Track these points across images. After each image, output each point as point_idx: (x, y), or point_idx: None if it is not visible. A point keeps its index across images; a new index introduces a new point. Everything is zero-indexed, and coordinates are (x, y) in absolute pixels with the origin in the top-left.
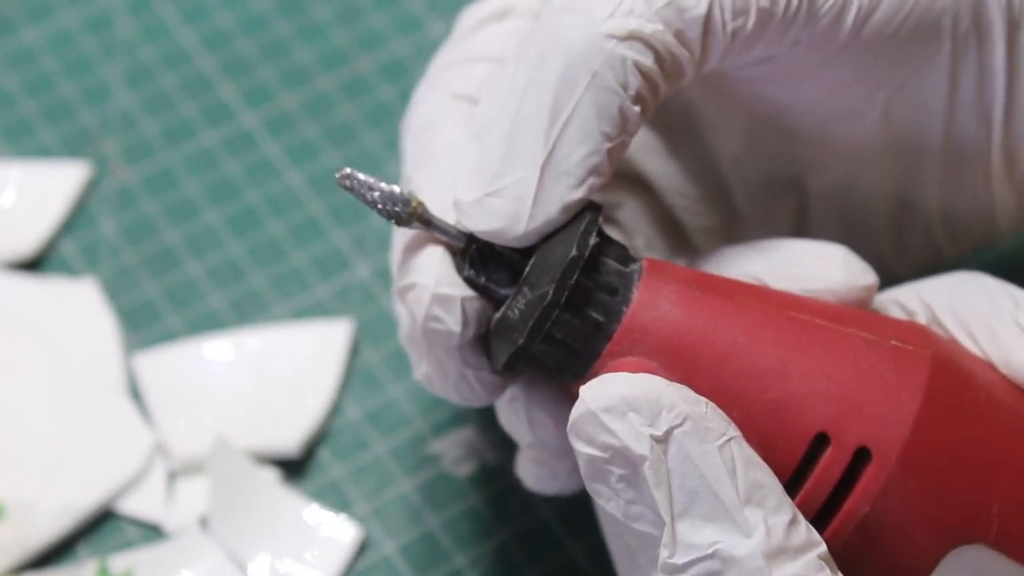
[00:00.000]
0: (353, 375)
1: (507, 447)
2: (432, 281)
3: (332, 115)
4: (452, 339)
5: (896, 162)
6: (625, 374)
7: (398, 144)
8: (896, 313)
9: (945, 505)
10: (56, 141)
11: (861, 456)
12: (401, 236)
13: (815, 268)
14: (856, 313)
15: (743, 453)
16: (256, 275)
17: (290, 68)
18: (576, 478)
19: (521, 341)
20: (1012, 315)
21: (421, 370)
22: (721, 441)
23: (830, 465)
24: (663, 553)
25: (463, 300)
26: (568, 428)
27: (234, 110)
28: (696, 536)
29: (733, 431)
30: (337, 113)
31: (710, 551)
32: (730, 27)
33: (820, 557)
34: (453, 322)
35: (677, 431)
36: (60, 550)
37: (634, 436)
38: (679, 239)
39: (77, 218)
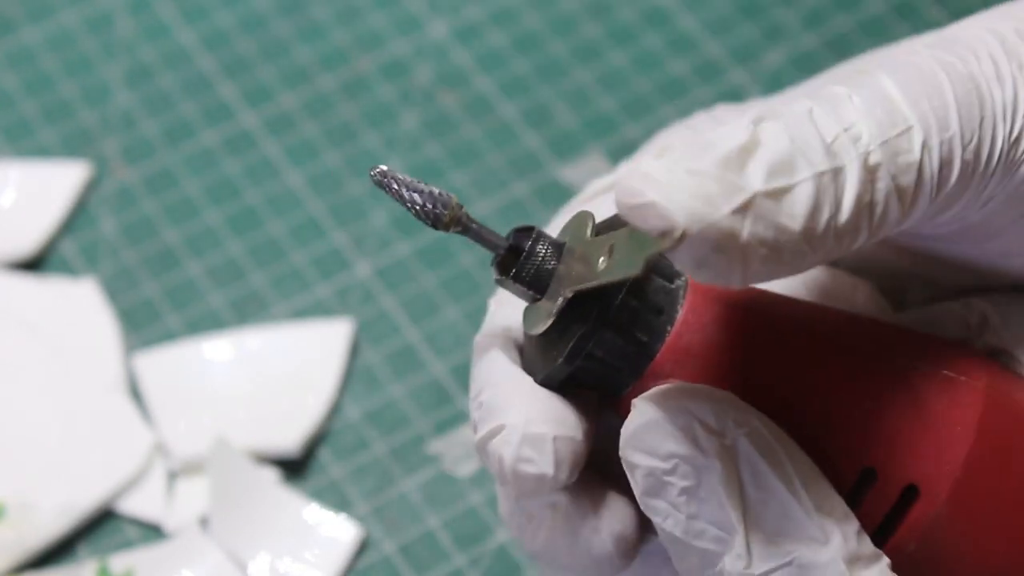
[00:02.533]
0: (353, 375)
1: None
2: (522, 420)
3: (332, 115)
4: (544, 483)
5: None
6: (683, 384)
7: (397, 144)
8: (951, 325)
9: (992, 545)
10: (56, 141)
11: (909, 493)
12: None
13: (848, 297)
14: (909, 336)
15: (807, 462)
16: (256, 275)
17: (290, 68)
18: None
19: (560, 360)
20: None
21: (537, 540)
22: (788, 450)
23: (876, 501)
24: (736, 564)
25: (555, 439)
26: (624, 441)
27: (234, 110)
28: (772, 544)
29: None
30: (337, 113)
31: (788, 559)
32: (936, 179)
33: (889, 567)
34: (545, 463)
35: (744, 439)
36: (60, 550)
37: (702, 443)
38: None
39: (77, 218)
